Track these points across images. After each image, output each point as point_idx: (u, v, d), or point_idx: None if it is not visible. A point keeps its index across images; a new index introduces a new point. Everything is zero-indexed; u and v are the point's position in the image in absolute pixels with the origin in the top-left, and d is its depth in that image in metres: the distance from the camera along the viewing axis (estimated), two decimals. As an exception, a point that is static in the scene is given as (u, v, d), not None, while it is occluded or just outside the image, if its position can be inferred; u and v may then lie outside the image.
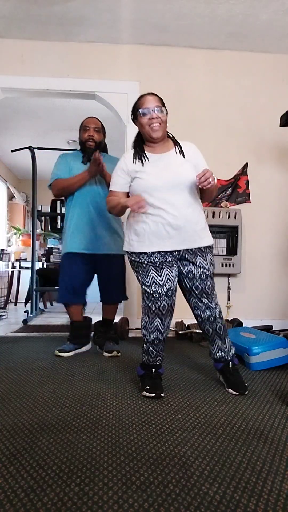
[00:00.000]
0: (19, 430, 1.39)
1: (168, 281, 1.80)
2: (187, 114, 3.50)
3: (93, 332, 2.74)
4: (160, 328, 1.83)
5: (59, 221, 5.54)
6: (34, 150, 4.29)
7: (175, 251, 1.81)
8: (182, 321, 3.23)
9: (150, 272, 1.81)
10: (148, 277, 1.81)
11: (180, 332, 3.11)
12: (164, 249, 1.79)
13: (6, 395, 1.75)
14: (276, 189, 3.55)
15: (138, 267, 1.85)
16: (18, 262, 6.11)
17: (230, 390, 1.83)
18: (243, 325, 3.15)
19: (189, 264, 1.84)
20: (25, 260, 6.18)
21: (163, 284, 1.79)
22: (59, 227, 5.49)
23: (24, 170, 6.91)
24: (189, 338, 3.08)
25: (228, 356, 1.91)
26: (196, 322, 3.19)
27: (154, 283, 1.80)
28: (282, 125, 2.95)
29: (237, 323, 3.17)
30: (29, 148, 4.24)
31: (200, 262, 1.84)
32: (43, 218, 7.24)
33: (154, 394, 1.73)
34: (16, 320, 4.22)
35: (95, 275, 2.63)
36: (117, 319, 3.14)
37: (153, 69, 3.49)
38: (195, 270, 1.84)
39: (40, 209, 6.15)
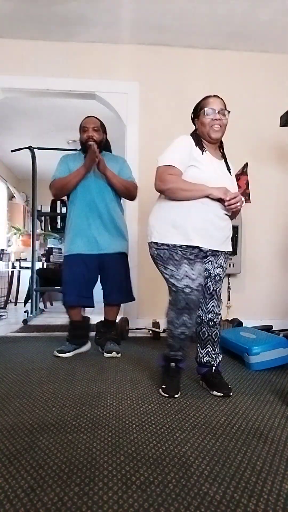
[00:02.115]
0: (19, 430, 1.39)
1: (199, 276, 1.79)
2: (187, 114, 3.48)
3: (94, 333, 2.73)
4: (188, 323, 1.80)
5: (59, 221, 5.53)
6: (34, 150, 4.29)
7: (210, 250, 1.82)
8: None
9: (183, 266, 1.75)
10: (180, 270, 1.75)
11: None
12: (206, 246, 1.79)
13: (6, 395, 1.75)
14: (276, 189, 3.55)
15: (169, 260, 1.78)
16: (18, 262, 6.11)
17: (215, 392, 1.81)
18: (243, 325, 3.15)
19: (209, 263, 1.86)
20: (25, 260, 6.17)
21: (195, 278, 1.76)
22: (59, 227, 5.48)
23: (24, 170, 6.91)
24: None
25: (215, 363, 1.91)
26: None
27: (186, 277, 1.74)
28: (282, 125, 2.95)
29: (237, 323, 3.17)
30: (29, 148, 4.24)
31: (219, 264, 1.88)
32: (43, 218, 7.23)
33: (167, 395, 1.74)
34: (16, 320, 4.22)
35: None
36: (117, 319, 3.14)
37: (153, 69, 3.49)
38: (213, 270, 1.87)
39: (40, 209, 6.14)
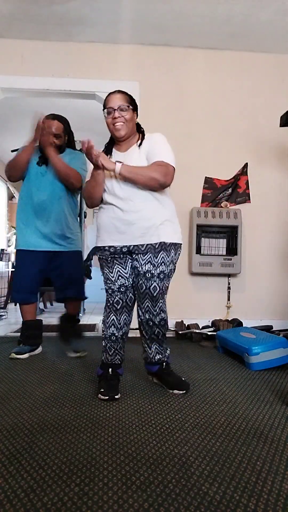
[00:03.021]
0: (19, 430, 1.39)
1: (120, 277, 1.80)
2: (187, 114, 3.50)
3: (59, 329, 2.66)
4: (116, 323, 1.82)
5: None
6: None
7: (124, 246, 1.77)
8: (182, 321, 3.23)
9: (104, 269, 1.84)
10: (104, 272, 1.85)
11: (180, 332, 3.11)
12: (113, 244, 1.78)
13: (6, 395, 1.75)
14: (276, 189, 3.54)
15: (99, 262, 1.88)
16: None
17: (175, 391, 1.81)
18: (243, 325, 3.15)
19: (135, 261, 1.79)
20: (25, 260, 6.16)
21: (114, 280, 1.81)
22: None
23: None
24: (189, 338, 3.08)
25: (165, 357, 1.90)
26: (196, 322, 3.21)
27: (107, 279, 1.83)
28: (282, 125, 2.95)
29: (237, 323, 3.17)
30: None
31: (148, 259, 1.75)
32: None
33: (107, 397, 1.69)
34: (16, 320, 4.22)
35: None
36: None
37: (153, 69, 3.49)
38: (141, 267, 1.76)
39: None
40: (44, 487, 1.03)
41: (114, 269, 1.81)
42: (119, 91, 1.82)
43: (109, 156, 1.82)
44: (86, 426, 1.42)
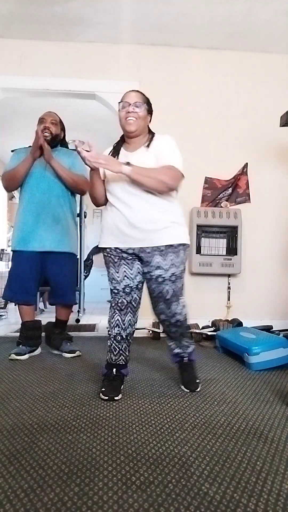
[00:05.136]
0: (19, 430, 1.39)
1: (126, 278, 1.80)
2: (187, 114, 3.50)
3: (45, 334, 2.65)
4: (120, 324, 1.82)
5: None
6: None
7: (129, 248, 1.77)
8: (182, 321, 3.22)
9: (110, 268, 1.84)
10: (109, 272, 1.85)
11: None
12: (117, 246, 1.78)
13: (6, 395, 1.75)
14: (276, 189, 3.54)
15: (104, 262, 1.88)
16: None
17: (182, 387, 1.87)
18: (243, 325, 3.15)
19: (146, 265, 1.78)
20: (25, 260, 6.16)
21: (120, 280, 1.81)
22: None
23: (24, 170, 6.89)
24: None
25: (185, 354, 1.92)
26: (196, 322, 3.21)
27: (113, 279, 1.83)
28: (282, 125, 2.95)
29: (237, 323, 3.17)
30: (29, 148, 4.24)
31: (157, 263, 1.74)
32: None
33: (107, 398, 1.70)
34: (16, 320, 4.22)
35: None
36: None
37: (153, 69, 3.49)
38: (152, 272, 1.76)
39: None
40: (44, 487, 1.03)
41: (120, 270, 1.81)
42: (138, 91, 1.86)
43: (116, 157, 1.81)
44: (86, 426, 1.42)
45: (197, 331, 3.02)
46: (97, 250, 6.83)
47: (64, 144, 2.63)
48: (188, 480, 1.07)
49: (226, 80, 3.53)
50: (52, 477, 1.08)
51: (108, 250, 1.83)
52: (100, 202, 1.87)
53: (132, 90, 1.85)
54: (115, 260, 1.81)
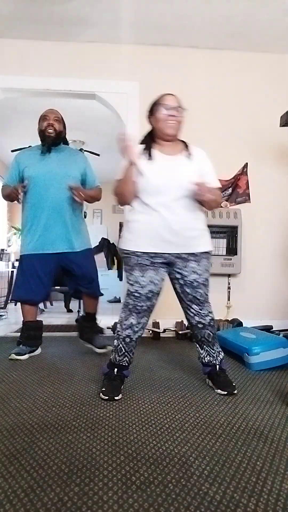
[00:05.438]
0: (19, 430, 1.39)
1: (151, 283, 1.81)
2: (187, 114, 3.48)
3: (78, 329, 2.70)
4: (134, 326, 1.83)
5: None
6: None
7: (166, 254, 1.80)
8: (182, 321, 3.22)
9: (135, 272, 1.82)
10: (132, 275, 1.82)
11: (180, 332, 3.11)
12: (153, 250, 1.79)
13: (6, 395, 1.75)
14: (276, 189, 3.54)
15: (127, 264, 1.86)
16: (18, 262, 6.10)
17: (219, 391, 1.82)
18: (243, 325, 3.15)
19: (181, 270, 1.83)
20: (25, 260, 6.16)
21: (145, 285, 1.80)
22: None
23: (24, 170, 6.89)
24: (189, 338, 3.08)
25: (216, 361, 1.91)
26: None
27: (136, 283, 1.81)
28: (282, 125, 2.95)
29: (237, 323, 3.17)
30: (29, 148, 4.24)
31: (192, 269, 1.83)
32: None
33: (107, 397, 1.70)
34: (16, 320, 4.22)
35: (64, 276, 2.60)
36: (117, 319, 3.13)
37: (153, 69, 3.49)
38: (187, 276, 1.83)
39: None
40: (44, 487, 1.03)
41: (146, 274, 1.80)
42: (175, 95, 1.89)
43: (150, 156, 1.80)
44: (86, 426, 1.42)
45: (197, 331, 3.01)
46: (97, 250, 6.85)
47: (65, 142, 2.64)
48: (188, 480, 1.07)
49: (226, 80, 3.53)
50: (52, 477, 1.08)
51: (138, 253, 1.80)
52: (129, 201, 1.84)
53: (170, 94, 1.88)
54: (144, 264, 1.80)
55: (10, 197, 2.49)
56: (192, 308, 1.88)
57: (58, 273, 2.60)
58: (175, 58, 3.51)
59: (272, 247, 3.53)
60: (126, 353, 1.84)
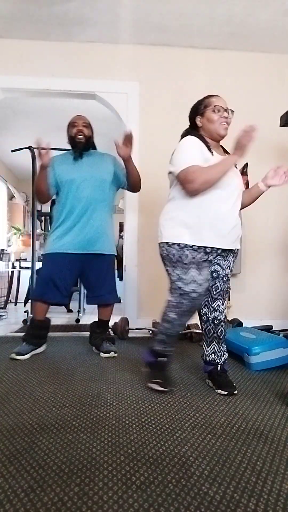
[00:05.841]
0: (19, 430, 1.39)
1: (207, 281, 1.79)
2: (187, 114, 3.49)
3: (89, 333, 2.71)
4: (186, 324, 1.87)
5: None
6: (34, 150, 4.29)
7: (219, 249, 1.80)
8: (182, 321, 3.22)
9: (191, 271, 1.73)
10: (188, 274, 1.73)
11: (180, 332, 3.11)
12: (219, 246, 1.77)
13: (6, 395, 1.75)
14: (276, 189, 3.53)
15: (178, 262, 1.75)
16: (18, 262, 6.11)
17: (219, 391, 1.82)
18: (243, 325, 3.15)
19: (218, 264, 1.86)
20: (25, 260, 6.17)
21: (202, 283, 1.75)
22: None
23: (24, 170, 6.90)
24: (189, 338, 3.08)
25: (220, 361, 1.91)
26: (196, 322, 3.21)
27: (193, 282, 1.73)
28: (282, 125, 2.95)
29: (237, 323, 3.17)
30: (29, 148, 4.24)
31: (228, 264, 1.89)
32: (43, 218, 7.24)
33: (166, 389, 1.75)
34: (16, 320, 4.22)
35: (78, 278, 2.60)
36: (117, 319, 3.14)
37: (153, 69, 3.49)
38: (222, 270, 1.87)
39: (40, 209, 6.15)
40: (44, 487, 1.03)
41: (203, 272, 1.76)
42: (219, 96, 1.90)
43: (208, 148, 1.82)
44: (86, 426, 1.42)
45: (197, 331, 3.01)
46: None
47: (94, 146, 2.64)
48: (188, 480, 1.07)
49: (226, 80, 3.53)
50: (52, 477, 1.08)
51: (201, 249, 1.75)
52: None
53: (218, 95, 1.89)
54: (204, 260, 1.77)
55: (40, 179, 2.44)
56: (215, 303, 1.89)
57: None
58: (175, 58, 3.51)
59: (272, 247, 3.53)
60: (173, 345, 1.90)
